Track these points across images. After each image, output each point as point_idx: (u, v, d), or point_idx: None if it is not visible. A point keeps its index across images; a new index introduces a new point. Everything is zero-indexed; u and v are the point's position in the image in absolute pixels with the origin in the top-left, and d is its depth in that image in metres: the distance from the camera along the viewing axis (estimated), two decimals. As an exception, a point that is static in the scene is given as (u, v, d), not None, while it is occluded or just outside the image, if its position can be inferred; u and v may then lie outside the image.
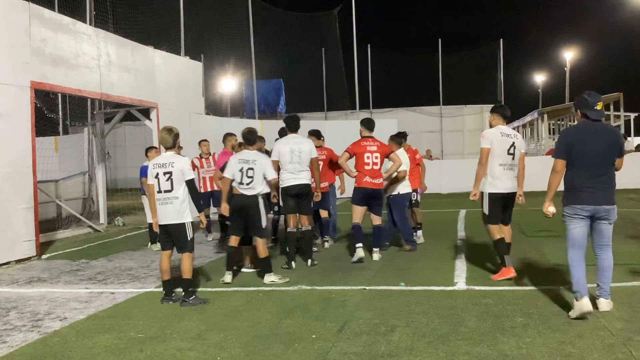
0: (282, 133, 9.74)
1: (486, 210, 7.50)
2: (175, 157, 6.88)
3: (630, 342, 4.90)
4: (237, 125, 17.27)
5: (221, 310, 6.44)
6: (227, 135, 10.66)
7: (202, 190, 11.63)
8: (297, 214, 8.86)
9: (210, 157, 11.94)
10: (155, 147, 11.57)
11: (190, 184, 6.84)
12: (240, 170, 7.81)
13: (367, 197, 8.89)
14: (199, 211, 7.00)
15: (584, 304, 5.55)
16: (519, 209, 8.03)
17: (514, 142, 7.44)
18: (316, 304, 6.57)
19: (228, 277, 7.82)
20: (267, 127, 19.30)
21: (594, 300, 5.80)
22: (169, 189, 6.77)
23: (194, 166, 11.80)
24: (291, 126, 8.96)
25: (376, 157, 8.87)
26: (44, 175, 13.32)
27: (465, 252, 9.32)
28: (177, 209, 6.79)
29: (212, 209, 11.77)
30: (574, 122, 36.17)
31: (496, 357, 4.71)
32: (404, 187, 9.62)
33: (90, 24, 15.22)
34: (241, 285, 7.64)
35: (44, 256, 10.62)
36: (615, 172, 5.82)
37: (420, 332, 5.41)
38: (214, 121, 18.75)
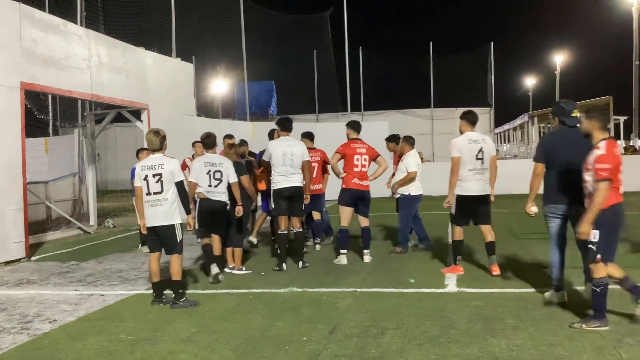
0: (272, 135, 9.75)
1: (453, 211, 7.88)
2: (164, 158, 6.88)
3: (620, 344, 4.93)
4: (229, 127, 17.30)
5: (212, 313, 6.43)
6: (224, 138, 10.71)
7: None
8: (288, 216, 8.86)
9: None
10: (147, 149, 11.52)
11: (180, 185, 6.86)
12: (208, 173, 8.00)
13: (355, 198, 8.91)
14: (187, 213, 6.98)
15: (557, 296, 6.26)
16: (510, 212, 8.09)
17: (482, 147, 7.74)
18: (307, 306, 6.56)
19: (214, 269, 7.93)
20: (259, 129, 19.30)
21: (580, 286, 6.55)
22: (159, 190, 6.77)
23: (185, 166, 11.79)
24: (286, 126, 8.96)
25: (365, 159, 8.91)
26: (33, 177, 13.27)
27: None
28: (167, 210, 6.79)
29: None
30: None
31: (487, 360, 4.73)
32: (416, 189, 9.62)
33: (81, 25, 15.18)
34: (232, 287, 7.62)
35: (33, 258, 10.56)
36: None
37: (411, 334, 5.42)
38: (205, 123, 18.71)
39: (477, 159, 7.70)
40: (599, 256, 5.39)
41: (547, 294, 6.41)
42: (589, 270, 5.66)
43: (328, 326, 5.75)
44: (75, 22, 15.23)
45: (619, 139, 32.26)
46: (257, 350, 5.14)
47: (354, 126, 9.22)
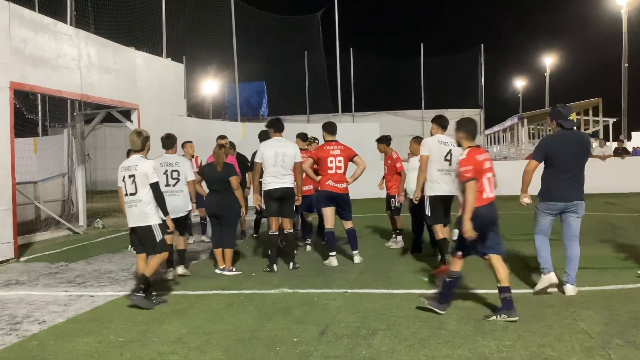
0: (262, 136, 9.74)
1: (428, 212, 8.20)
2: (139, 160, 6.93)
3: (609, 345, 4.96)
4: (219, 128, 17.26)
5: (202, 314, 6.41)
6: (217, 138, 10.78)
7: None
8: (280, 217, 8.85)
9: (193, 160, 11.89)
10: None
11: (154, 187, 6.88)
12: (165, 173, 8.24)
13: (331, 199, 8.90)
14: (164, 214, 7.02)
15: (551, 277, 6.65)
16: (500, 213, 8.14)
17: (450, 150, 8.14)
18: (298, 307, 6.56)
19: (180, 269, 8.42)
20: (249, 130, 19.27)
21: (561, 286, 6.71)
22: (134, 191, 6.86)
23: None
24: (277, 127, 8.96)
25: (339, 161, 8.90)
26: (22, 177, 13.20)
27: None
28: (141, 211, 6.85)
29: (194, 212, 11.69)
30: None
31: (477, 360, 4.74)
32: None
33: (71, 25, 15.10)
34: (222, 288, 7.61)
35: (22, 259, 10.49)
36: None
37: (402, 335, 5.43)
38: (195, 123, 18.67)
39: (446, 160, 8.12)
40: (459, 253, 6.10)
41: (539, 284, 6.79)
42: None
43: (319, 327, 5.75)
44: (65, 22, 15.14)
45: (609, 140, 32.46)
46: (248, 351, 5.13)
47: (328, 128, 9.23)
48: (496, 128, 43.32)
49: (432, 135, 8.36)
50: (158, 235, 6.91)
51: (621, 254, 9.00)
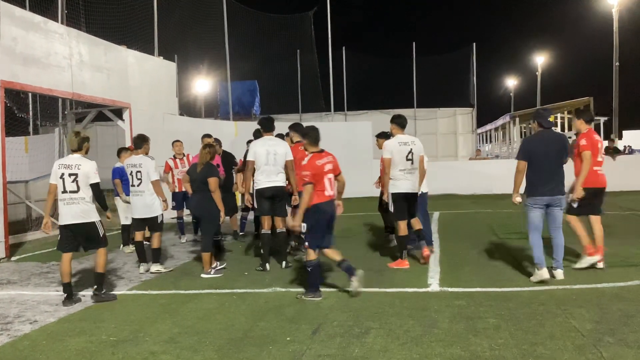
0: (257, 135, 9.74)
1: (392, 209, 8.55)
2: (81, 159, 7.12)
3: (600, 343, 4.98)
4: (212, 127, 17.23)
5: (194, 313, 6.40)
6: (202, 137, 10.70)
7: (177, 190, 11.60)
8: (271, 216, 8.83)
9: (185, 158, 11.88)
10: (127, 148, 11.44)
11: (95, 187, 7.09)
12: (131, 174, 8.61)
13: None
14: (104, 210, 7.43)
15: (544, 273, 7.20)
16: (492, 211, 8.21)
17: (411, 149, 8.47)
18: (290, 306, 6.56)
19: (154, 267, 8.71)
20: (242, 129, 19.25)
21: (551, 272, 7.32)
22: (75, 189, 7.01)
23: (168, 167, 11.73)
24: (267, 127, 8.96)
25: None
26: (13, 176, 13.11)
27: (439, 254, 9.38)
28: (84, 208, 7.04)
29: (186, 211, 11.69)
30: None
31: (469, 359, 4.75)
32: (424, 187, 9.58)
33: (62, 23, 15.01)
34: (215, 287, 7.60)
35: (13, 258, 10.45)
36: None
37: (394, 334, 5.44)
38: (187, 122, 18.62)
39: (407, 159, 8.43)
40: (306, 243, 6.88)
41: (533, 277, 7.33)
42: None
43: (311, 326, 5.75)
44: (56, 20, 15.06)
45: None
46: (240, 350, 5.13)
47: (296, 127, 9.30)
48: (488, 127, 43.41)
49: (392, 135, 8.68)
50: (101, 231, 7.19)
51: (612, 253, 9.02)
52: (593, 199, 8.05)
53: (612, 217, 13.50)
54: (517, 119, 33.45)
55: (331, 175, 6.99)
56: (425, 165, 8.78)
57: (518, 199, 7.40)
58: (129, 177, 8.72)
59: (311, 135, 7.11)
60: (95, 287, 7.13)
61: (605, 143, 26.36)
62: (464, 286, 7.19)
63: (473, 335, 5.33)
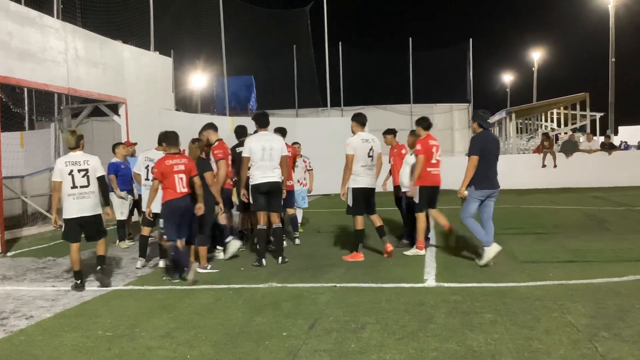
0: (238, 132, 9.81)
1: (350, 203, 8.79)
2: (87, 156, 7.64)
3: (596, 338, 5.00)
4: (208, 122, 17.15)
5: (191, 309, 6.40)
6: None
7: None
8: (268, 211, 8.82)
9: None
10: (123, 144, 11.43)
11: (102, 180, 7.67)
12: (147, 168, 8.63)
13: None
14: (106, 204, 7.95)
15: (493, 247, 7.91)
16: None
17: (372, 146, 8.80)
18: (287, 301, 6.56)
19: (139, 262, 8.84)
20: (238, 124, 19.18)
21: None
22: (86, 184, 7.49)
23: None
24: (263, 122, 8.93)
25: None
26: (9, 171, 13.08)
27: (435, 249, 9.39)
28: (95, 201, 7.58)
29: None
30: (540, 121, 36.89)
31: (465, 354, 4.76)
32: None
33: (57, 18, 14.97)
34: (211, 283, 7.60)
35: (9, 254, 10.43)
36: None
37: (390, 329, 5.45)
38: (184, 117, 18.57)
39: (369, 156, 8.73)
40: (165, 237, 7.71)
41: (483, 260, 7.97)
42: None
43: (308, 321, 5.75)
44: (52, 15, 15.02)
45: (595, 134, 32.66)
46: (237, 345, 5.13)
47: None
48: (484, 122, 43.36)
49: (353, 132, 8.89)
50: (104, 222, 7.81)
51: (607, 248, 9.07)
52: (433, 196, 9.08)
53: (608, 213, 13.54)
54: (514, 115, 33.45)
55: (183, 175, 7.66)
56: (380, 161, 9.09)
57: (465, 193, 7.99)
58: (144, 170, 8.77)
59: (171, 141, 7.85)
60: (100, 267, 7.67)
61: (601, 139, 26.50)
62: (459, 281, 7.20)
63: (469, 330, 5.34)
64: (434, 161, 9.05)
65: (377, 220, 8.92)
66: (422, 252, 8.95)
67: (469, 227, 8.14)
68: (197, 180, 7.85)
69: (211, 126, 9.37)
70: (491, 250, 7.92)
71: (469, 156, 8.02)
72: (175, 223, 7.60)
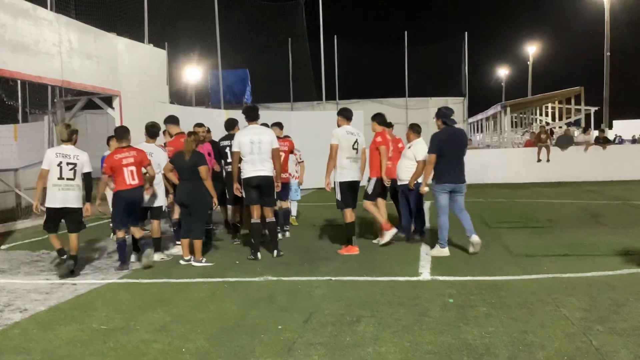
0: (227, 125, 9.82)
1: (339, 197, 8.89)
2: (78, 150, 7.90)
3: (590, 332, 5.02)
4: (203, 115, 17.14)
5: (186, 302, 6.39)
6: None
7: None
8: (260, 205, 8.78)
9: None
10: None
11: (88, 176, 7.96)
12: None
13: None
14: (88, 200, 8.09)
15: (446, 251, 8.35)
16: (482, 201, 8.29)
17: (357, 139, 8.92)
18: (282, 295, 6.56)
19: (133, 256, 8.76)
20: (229, 117, 19.13)
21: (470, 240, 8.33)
22: (72, 177, 7.78)
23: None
24: (251, 115, 8.91)
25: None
26: (2, 164, 13.06)
27: (430, 243, 9.39)
28: (78, 195, 7.88)
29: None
30: (535, 115, 36.94)
31: (460, 347, 4.77)
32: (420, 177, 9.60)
33: (51, 10, 14.86)
34: (206, 276, 7.59)
35: (3, 247, 10.40)
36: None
37: (386, 322, 5.46)
38: (178, 110, 18.49)
39: (354, 148, 8.84)
40: (111, 225, 8.36)
41: (433, 251, 8.45)
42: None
43: (303, 315, 5.75)
44: (46, 7, 14.91)
45: (590, 128, 32.72)
46: (232, 339, 5.13)
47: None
48: (479, 116, 43.40)
49: (339, 126, 8.99)
50: (82, 216, 8.02)
51: (602, 242, 9.10)
52: (384, 187, 9.32)
53: (602, 207, 13.59)
54: (509, 109, 33.47)
55: (133, 168, 8.04)
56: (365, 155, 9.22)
57: (426, 189, 8.51)
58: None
59: (120, 134, 8.27)
60: (74, 263, 7.89)
61: (596, 133, 26.55)
62: (454, 275, 7.22)
63: (464, 323, 5.35)
64: (390, 155, 9.37)
65: (353, 215, 9.02)
66: (393, 230, 9.16)
67: (438, 223, 8.43)
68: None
69: (172, 119, 9.65)
70: (443, 252, 8.37)
71: (428, 154, 8.41)
72: (123, 213, 8.10)
